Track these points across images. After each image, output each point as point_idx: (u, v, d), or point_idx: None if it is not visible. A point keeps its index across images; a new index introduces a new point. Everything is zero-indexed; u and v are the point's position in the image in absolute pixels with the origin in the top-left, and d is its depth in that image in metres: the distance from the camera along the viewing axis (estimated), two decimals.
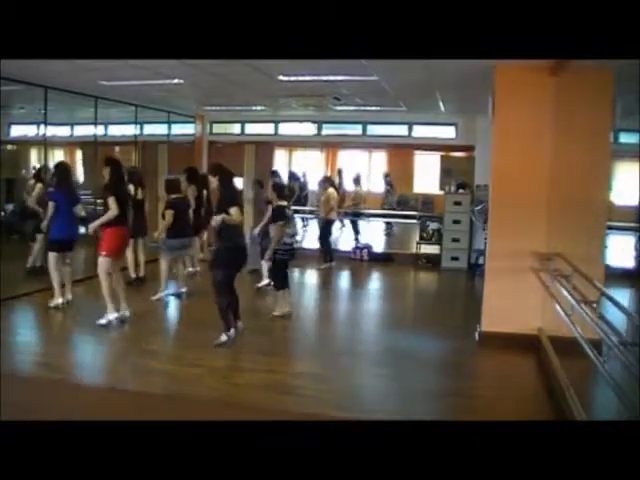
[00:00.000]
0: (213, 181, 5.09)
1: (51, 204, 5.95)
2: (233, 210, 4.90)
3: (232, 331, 5.03)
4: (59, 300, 6.07)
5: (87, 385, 4.23)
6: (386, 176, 12.44)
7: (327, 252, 9.02)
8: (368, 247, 10.09)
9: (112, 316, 5.55)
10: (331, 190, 8.95)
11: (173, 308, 6.62)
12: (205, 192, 7.82)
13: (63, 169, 6.23)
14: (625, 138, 8.67)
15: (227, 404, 3.85)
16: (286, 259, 5.94)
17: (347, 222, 11.19)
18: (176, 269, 6.86)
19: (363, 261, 9.85)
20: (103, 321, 5.49)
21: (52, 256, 5.99)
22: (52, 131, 8.06)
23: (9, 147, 10.18)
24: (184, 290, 6.81)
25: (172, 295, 6.73)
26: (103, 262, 5.52)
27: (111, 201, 5.46)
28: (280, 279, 6.02)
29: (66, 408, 3.56)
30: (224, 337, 4.97)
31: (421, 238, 9.83)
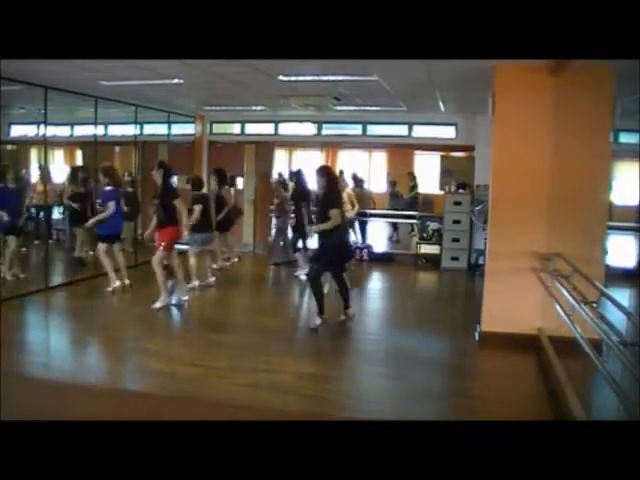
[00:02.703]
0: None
1: (112, 203, 6.62)
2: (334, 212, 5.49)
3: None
4: (116, 284, 6.79)
5: (87, 385, 4.22)
6: (411, 175, 12.17)
7: None
8: (368, 247, 10.08)
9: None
10: (349, 190, 9.00)
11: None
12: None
13: (114, 171, 6.96)
14: (625, 138, 8.66)
15: (227, 404, 3.85)
16: None
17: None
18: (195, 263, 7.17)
19: (363, 261, 9.85)
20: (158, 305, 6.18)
21: (102, 247, 6.73)
22: (52, 131, 8.08)
23: (9, 147, 10.18)
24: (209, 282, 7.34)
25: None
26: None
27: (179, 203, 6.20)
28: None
29: (66, 408, 3.56)
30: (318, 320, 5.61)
31: (421, 238, 9.82)
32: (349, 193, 9.00)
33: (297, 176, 8.03)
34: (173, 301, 6.35)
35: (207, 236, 7.15)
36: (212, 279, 7.44)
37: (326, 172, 5.74)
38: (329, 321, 5.70)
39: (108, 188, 6.74)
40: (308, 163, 12.67)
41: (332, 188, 5.69)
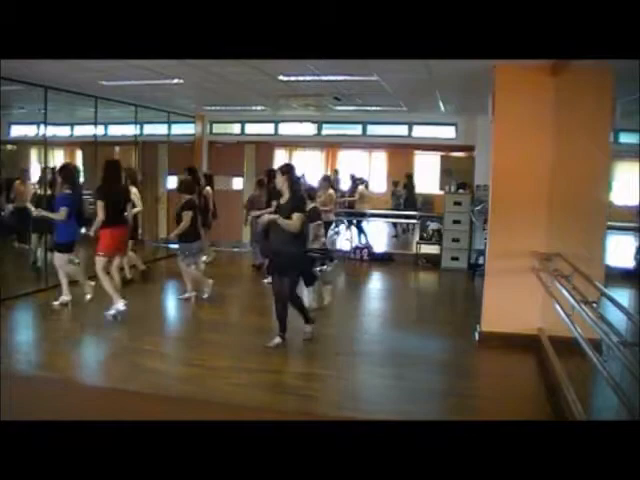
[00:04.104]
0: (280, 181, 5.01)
1: (64, 209, 5.88)
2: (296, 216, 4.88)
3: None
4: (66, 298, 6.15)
5: (87, 385, 4.23)
6: (408, 176, 12.19)
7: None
8: (368, 247, 10.09)
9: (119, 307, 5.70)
10: (331, 191, 8.86)
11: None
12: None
13: (70, 171, 6.25)
14: (625, 138, 8.67)
15: (227, 404, 3.85)
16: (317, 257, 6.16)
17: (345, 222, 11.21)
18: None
19: (363, 261, 9.85)
20: (112, 312, 5.68)
21: (62, 257, 6.09)
22: (52, 131, 8.06)
23: (9, 147, 10.18)
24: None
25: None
26: (99, 261, 5.74)
27: (99, 206, 5.66)
28: (309, 277, 6.17)
29: (66, 408, 3.56)
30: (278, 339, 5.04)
31: (421, 238, 9.84)
32: (329, 194, 8.76)
33: (270, 175, 7.49)
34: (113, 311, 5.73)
35: (199, 244, 6.61)
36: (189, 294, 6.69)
37: (289, 170, 5.05)
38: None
39: (67, 192, 6.00)
40: (308, 163, 12.75)
41: (297, 190, 5.06)
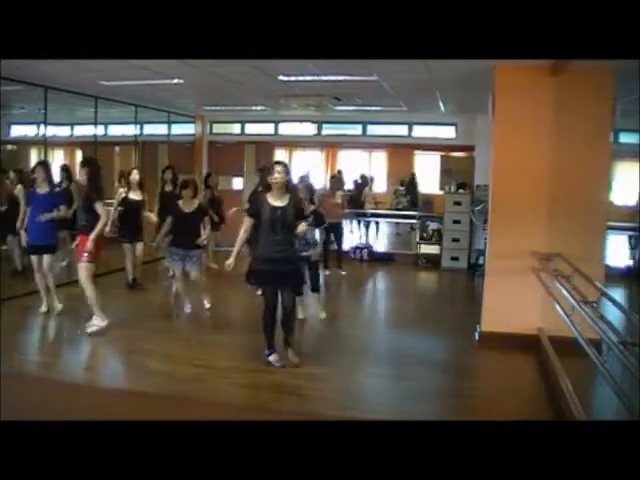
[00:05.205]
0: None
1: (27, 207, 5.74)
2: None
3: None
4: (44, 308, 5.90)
5: (87, 385, 4.23)
6: (412, 176, 12.21)
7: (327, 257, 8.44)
8: (368, 247, 10.09)
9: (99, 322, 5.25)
10: (340, 192, 8.83)
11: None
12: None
13: (43, 169, 5.93)
14: (625, 138, 8.67)
15: (227, 404, 3.85)
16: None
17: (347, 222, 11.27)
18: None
19: (363, 261, 9.86)
20: (94, 328, 5.23)
21: (32, 259, 5.83)
22: (52, 131, 8.06)
23: (9, 147, 10.18)
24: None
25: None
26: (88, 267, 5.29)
27: (99, 206, 5.19)
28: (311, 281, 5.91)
29: (66, 408, 3.56)
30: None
31: (421, 238, 9.84)
32: (341, 195, 8.65)
33: (262, 173, 6.97)
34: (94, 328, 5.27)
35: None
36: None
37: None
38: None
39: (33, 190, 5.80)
40: (308, 163, 12.75)
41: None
